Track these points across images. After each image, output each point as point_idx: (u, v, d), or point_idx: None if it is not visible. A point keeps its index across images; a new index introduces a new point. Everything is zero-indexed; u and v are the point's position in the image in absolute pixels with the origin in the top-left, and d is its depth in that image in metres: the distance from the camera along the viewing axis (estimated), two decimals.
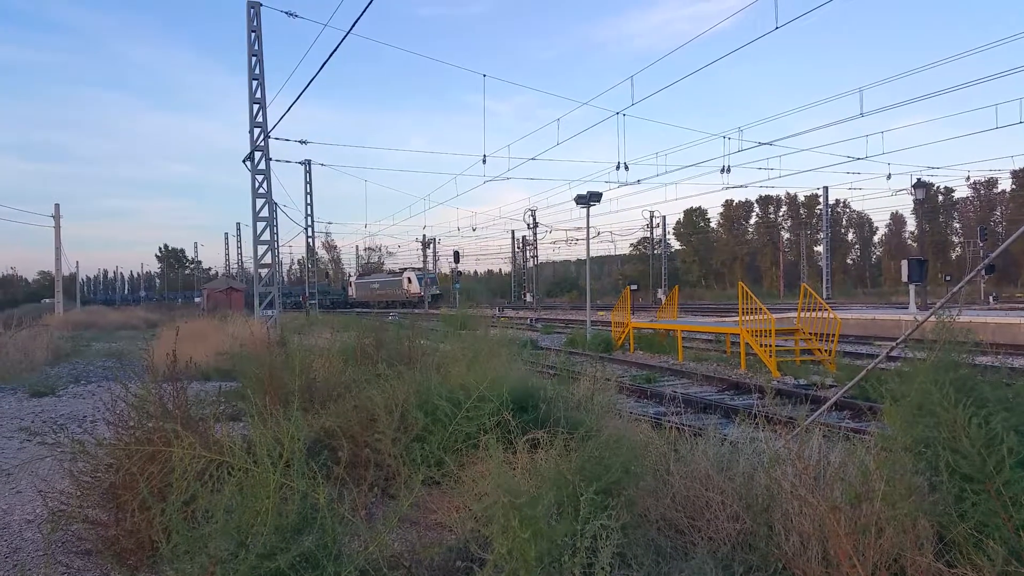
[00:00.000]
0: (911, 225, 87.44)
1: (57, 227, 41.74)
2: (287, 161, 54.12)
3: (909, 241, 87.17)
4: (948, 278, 55.65)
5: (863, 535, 2.85)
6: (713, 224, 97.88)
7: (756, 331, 14.23)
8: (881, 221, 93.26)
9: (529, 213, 60.19)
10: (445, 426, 5.00)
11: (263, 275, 20.11)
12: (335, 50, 18.65)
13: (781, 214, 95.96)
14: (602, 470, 3.53)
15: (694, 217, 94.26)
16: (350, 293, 75.39)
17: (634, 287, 24.04)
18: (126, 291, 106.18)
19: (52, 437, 4.42)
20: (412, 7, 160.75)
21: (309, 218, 39.69)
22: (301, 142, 25.05)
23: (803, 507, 3.11)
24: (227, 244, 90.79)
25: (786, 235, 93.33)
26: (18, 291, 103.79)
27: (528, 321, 32.93)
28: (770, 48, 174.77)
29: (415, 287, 62.81)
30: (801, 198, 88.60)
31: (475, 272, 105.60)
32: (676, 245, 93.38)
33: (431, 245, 67.96)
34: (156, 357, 6.34)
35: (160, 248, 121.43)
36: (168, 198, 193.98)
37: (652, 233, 70.39)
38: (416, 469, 4.36)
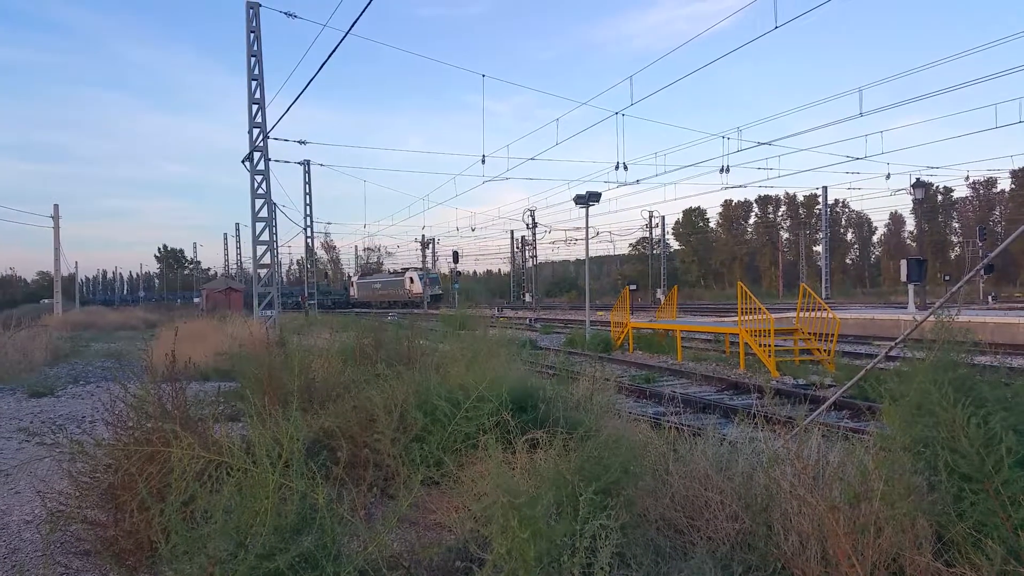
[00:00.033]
0: (910, 225, 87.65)
1: (56, 227, 41.74)
2: (286, 161, 54.09)
3: (908, 241, 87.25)
4: (947, 278, 55.68)
5: (862, 535, 2.85)
6: (712, 224, 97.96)
7: (755, 331, 14.23)
8: (880, 221, 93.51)
9: (528, 213, 60.22)
10: (444, 426, 5.00)
11: (262, 275, 20.11)
12: (334, 50, 18.65)
13: (780, 214, 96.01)
14: (601, 470, 3.53)
15: (693, 217, 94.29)
16: (352, 293, 75.26)
17: (633, 287, 23.99)
18: (125, 291, 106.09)
19: (51, 438, 4.41)
20: (411, 7, 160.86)
21: (308, 218, 39.72)
22: (300, 142, 25.09)
23: (802, 507, 3.11)
24: (226, 244, 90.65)
25: (785, 235, 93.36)
26: (17, 291, 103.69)
27: (527, 321, 32.93)
28: (769, 48, 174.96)
29: (418, 287, 62.67)
30: (800, 198, 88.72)
31: (474, 272, 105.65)
32: (675, 245, 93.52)
33: (430, 245, 68.02)
34: (155, 357, 6.35)
35: (159, 248, 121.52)
36: (168, 198, 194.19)
37: (651, 233, 70.47)
38: (415, 469, 4.36)
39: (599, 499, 3.16)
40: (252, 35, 18.80)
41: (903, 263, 25.65)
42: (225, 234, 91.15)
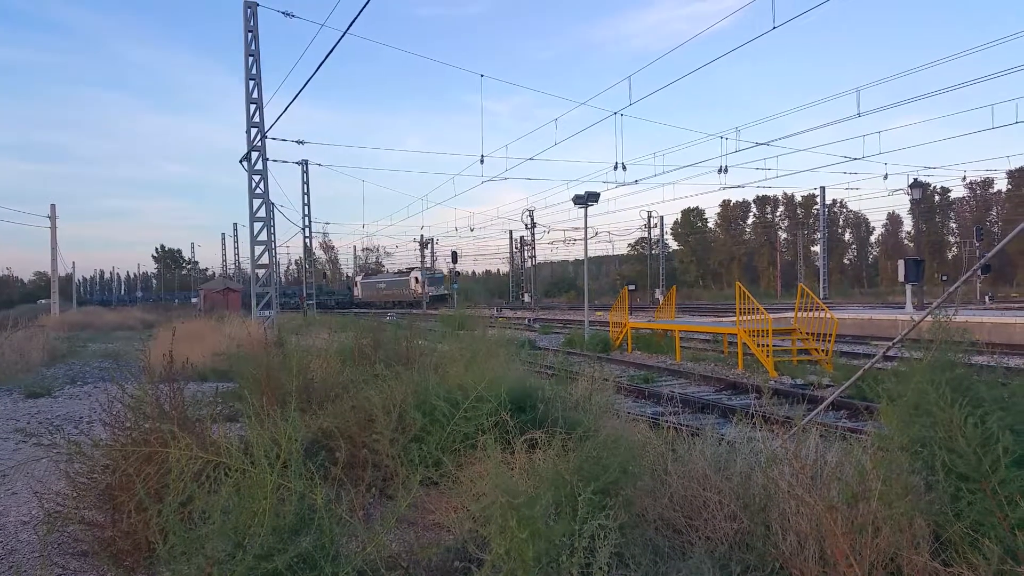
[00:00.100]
0: (908, 225, 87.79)
1: (53, 227, 41.66)
2: (284, 161, 54.14)
3: (906, 241, 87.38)
4: (944, 278, 55.80)
5: (860, 534, 2.85)
6: (710, 224, 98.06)
7: (753, 331, 14.25)
8: (878, 221, 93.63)
9: (527, 213, 60.25)
10: (443, 426, 5.00)
11: (260, 276, 20.09)
12: (332, 50, 18.66)
13: (778, 214, 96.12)
14: (600, 470, 3.53)
15: (691, 217, 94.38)
16: (356, 293, 75.03)
17: (632, 287, 24.04)
18: (122, 291, 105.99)
19: (48, 438, 4.42)
20: (410, 7, 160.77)
21: (306, 218, 39.64)
22: (298, 142, 25.07)
23: (800, 506, 3.11)
24: (224, 244, 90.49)
25: (783, 235, 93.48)
26: (14, 292, 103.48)
27: (526, 321, 32.93)
28: (768, 48, 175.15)
29: (422, 287, 62.48)
30: (798, 198, 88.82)
31: (473, 272, 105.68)
32: (674, 245, 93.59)
33: (429, 245, 67.91)
34: (152, 358, 6.33)
35: (157, 248, 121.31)
36: (167, 198, 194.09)
37: (650, 233, 70.54)
38: (414, 469, 4.35)
39: (598, 499, 3.16)
40: (250, 35, 18.79)
41: (901, 263, 25.68)
42: (223, 234, 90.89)
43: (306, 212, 39.50)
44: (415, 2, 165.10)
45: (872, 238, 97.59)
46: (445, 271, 68.98)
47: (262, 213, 19.32)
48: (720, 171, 27.96)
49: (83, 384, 12.94)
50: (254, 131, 19.03)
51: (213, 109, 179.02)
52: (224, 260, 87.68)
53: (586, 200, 20.68)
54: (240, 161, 19.27)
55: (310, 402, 6.10)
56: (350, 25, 14.23)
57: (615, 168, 24.68)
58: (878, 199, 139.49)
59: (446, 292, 60.83)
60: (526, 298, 61.94)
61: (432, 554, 3.43)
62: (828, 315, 14.22)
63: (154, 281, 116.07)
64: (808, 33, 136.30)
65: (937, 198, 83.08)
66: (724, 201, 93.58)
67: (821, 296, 43.57)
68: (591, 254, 26.22)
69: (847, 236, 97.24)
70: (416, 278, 64.25)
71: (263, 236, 19.45)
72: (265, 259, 19.89)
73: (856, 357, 15.47)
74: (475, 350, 7.04)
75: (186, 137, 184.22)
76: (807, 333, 14.45)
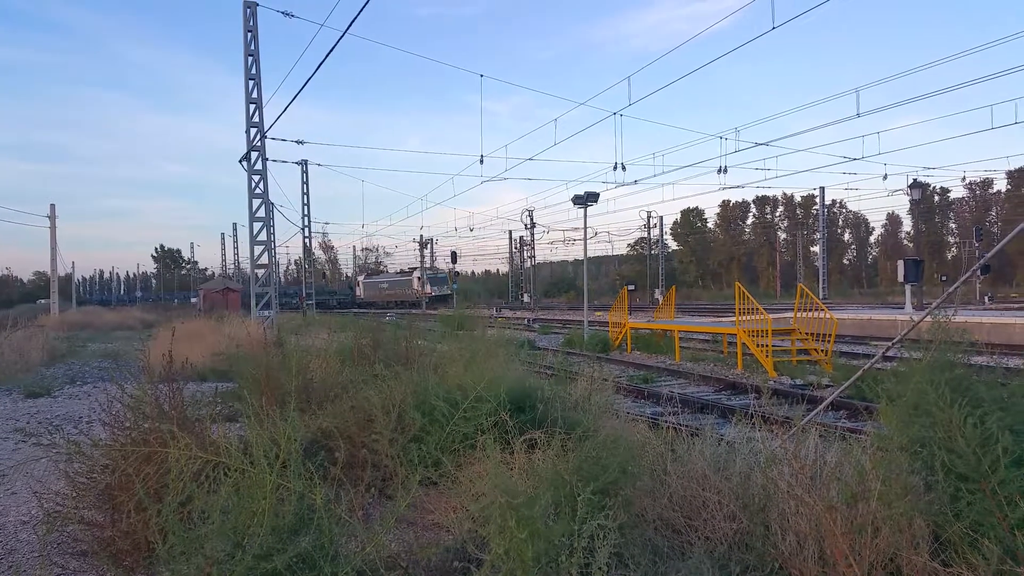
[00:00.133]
0: (907, 225, 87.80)
1: (53, 227, 41.63)
2: (284, 161, 53.86)
3: (905, 241, 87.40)
4: (944, 278, 55.78)
5: (859, 534, 2.85)
6: (710, 224, 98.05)
7: (753, 331, 14.25)
8: (877, 221, 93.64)
9: (526, 213, 60.16)
10: (442, 426, 5.00)
11: (260, 275, 20.09)
12: (332, 50, 18.65)
13: (778, 214, 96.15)
14: (599, 470, 3.53)
15: (691, 217, 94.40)
16: (358, 293, 74.79)
17: (631, 287, 24.02)
18: (122, 291, 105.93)
19: (48, 438, 4.41)
20: (409, 7, 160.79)
21: (306, 218, 39.58)
22: (298, 142, 25.06)
23: (799, 507, 3.11)
24: (223, 244, 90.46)
25: (783, 235, 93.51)
26: (13, 292, 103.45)
27: (525, 321, 32.93)
28: (767, 48, 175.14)
29: (426, 287, 62.18)
30: (798, 198, 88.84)
31: (472, 272, 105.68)
32: (673, 245, 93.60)
33: (428, 245, 67.85)
34: (152, 358, 6.32)
35: (156, 248, 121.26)
36: (167, 198, 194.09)
37: (649, 233, 70.55)
38: (413, 469, 4.35)
39: (597, 499, 3.16)
40: (249, 35, 18.78)
41: (900, 263, 25.69)
42: (223, 234, 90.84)
43: (305, 212, 39.46)
44: (414, 2, 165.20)
45: (871, 238, 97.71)
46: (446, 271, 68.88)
47: (261, 213, 19.32)
48: (719, 171, 27.98)
49: (82, 384, 12.94)
50: (253, 131, 19.03)
51: (213, 109, 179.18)
52: (224, 260, 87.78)
53: (585, 200, 20.68)
54: (240, 161, 19.27)
55: (309, 402, 6.10)
56: (350, 25, 14.23)
57: (614, 168, 24.71)
58: (878, 199, 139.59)
59: (449, 292, 60.58)
60: (525, 298, 61.93)
61: (431, 554, 3.43)
62: (827, 315, 14.22)
63: (153, 281, 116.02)
64: (808, 33, 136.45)
65: (936, 198, 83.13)
66: (724, 201, 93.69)
67: (820, 296, 43.59)
68: (591, 254, 26.23)
69: (846, 236, 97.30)
70: (419, 278, 63.97)
71: (262, 236, 19.45)
72: (264, 259, 19.89)
73: (855, 357, 15.47)
74: (474, 350, 7.04)
75: (186, 137, 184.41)
76: (806, 333, 14.45)
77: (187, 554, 2.77)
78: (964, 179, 63.54)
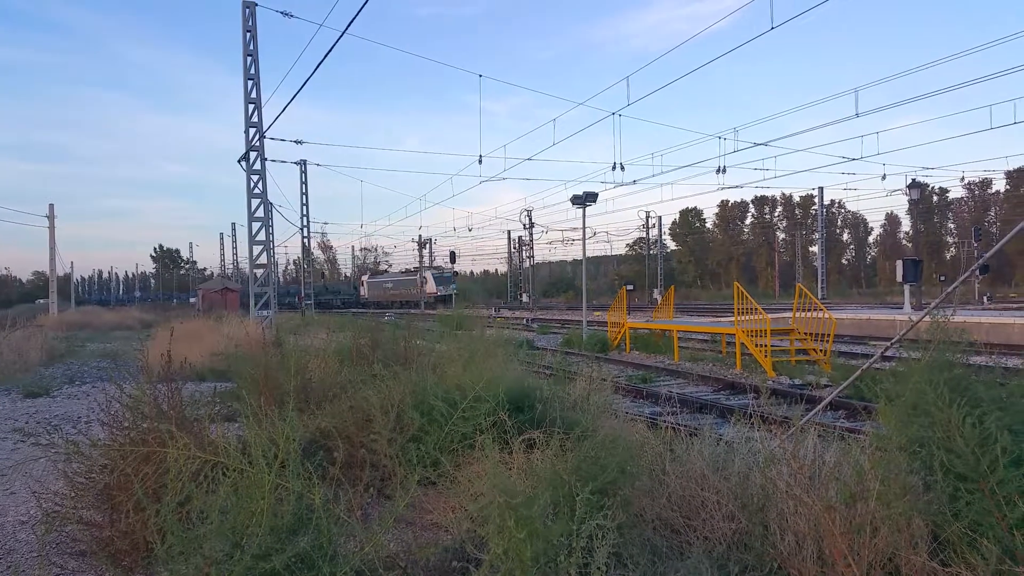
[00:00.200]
0: (906, 225, 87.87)
1: (51, 227, 41.56)
2: (283, 161, 53.63)
3: (904, 241, 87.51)
4: (943, 278, 55.84)
5: (858, 534, 2.85)
6: (709, 224, 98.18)
7: (752, 331, 14.25)
8: (876, 221, 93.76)
9: (525, 213, 60.09)
10: (441, 426, 4.99)
11: (258, 275, 20.08)
12: (331, 50, 18.65)
13: (777, 214, 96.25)
14: (598, 470, 3.53)
15: (690, 217, 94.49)
16: (362, 293, 74.43)
17: (630, 287, 24.08)
18: (121, 291, 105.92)
19: (46, 438, 4.40)
20: (408, 7, 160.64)
21: (305, 218, 39.55)
22: (297, 142, 25.03)
23: (798, 507, 3.11)
24: (222, 244, 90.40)
25: (781, 235, 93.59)
26: (12, 291, 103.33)
27: (524, 321, 32.93)
28: (766, 48, 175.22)
29: (432, 286, 61.84)
30: (796, 198, 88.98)
31: (471, 272, 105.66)
32: (672, 245, 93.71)
33: (427, 245, 67.81)
34: (151, 358, 6.32)
35: (155, 248, 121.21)
36: (167, 198, 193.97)
37: (648, 233, 70.61)
38: (412, 469, 4.35)
39: (596, 499, 3.16)
40: (248, 35, 18.77)
41: (899, 263, 25.71)
42: (221, 234, 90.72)
43: (304, 212, 39.45)
44: (414, 2, 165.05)
45: (870, 238, 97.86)
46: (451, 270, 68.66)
47: (260, 213, 19.31)
48: (718, 171, 27.93)
49: (81, 384, 12.93)
50: (252, 131, 19.01)
51: (213, 109, 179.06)
52: (222, 260, 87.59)
53: (584, 200, 20.69)
54: (238, 161, 19.26)
55: (308, 402, 6.10)
56: (348, 25, 14.25)
57: (613, 168, 24.70)
58: (876, 199, 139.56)
59: (455, 291, 60.16)
60: (524, 298, 61.88)
61: (430, 554, 3.43)
62: (826, 315, 14.23)
63: (152, 281, 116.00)
64: (807, 33, 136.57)
65: (935, 198, 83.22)
66: (722, 201, 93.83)
67: (819, 296, 43.62)
68: (589, 254, 26.19)
69: (845, 236, 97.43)
70: (426, 277, 63.49)
71: (261, 236, 19.44)
72: (263, 259, 19.88)
73: (854, 357, 15.48)
74: (473, 350, 7.04)
75: (186, 137, 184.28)
76: (805, 333, 14.45)
77: (186, 554, 2.76)
78: (963, 179, 63.73)
